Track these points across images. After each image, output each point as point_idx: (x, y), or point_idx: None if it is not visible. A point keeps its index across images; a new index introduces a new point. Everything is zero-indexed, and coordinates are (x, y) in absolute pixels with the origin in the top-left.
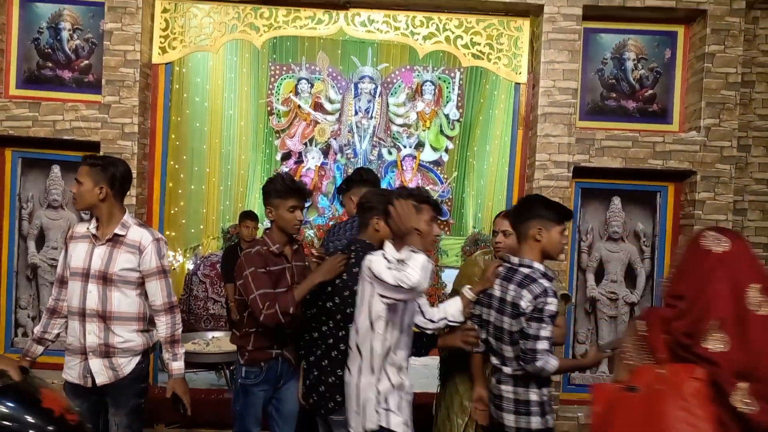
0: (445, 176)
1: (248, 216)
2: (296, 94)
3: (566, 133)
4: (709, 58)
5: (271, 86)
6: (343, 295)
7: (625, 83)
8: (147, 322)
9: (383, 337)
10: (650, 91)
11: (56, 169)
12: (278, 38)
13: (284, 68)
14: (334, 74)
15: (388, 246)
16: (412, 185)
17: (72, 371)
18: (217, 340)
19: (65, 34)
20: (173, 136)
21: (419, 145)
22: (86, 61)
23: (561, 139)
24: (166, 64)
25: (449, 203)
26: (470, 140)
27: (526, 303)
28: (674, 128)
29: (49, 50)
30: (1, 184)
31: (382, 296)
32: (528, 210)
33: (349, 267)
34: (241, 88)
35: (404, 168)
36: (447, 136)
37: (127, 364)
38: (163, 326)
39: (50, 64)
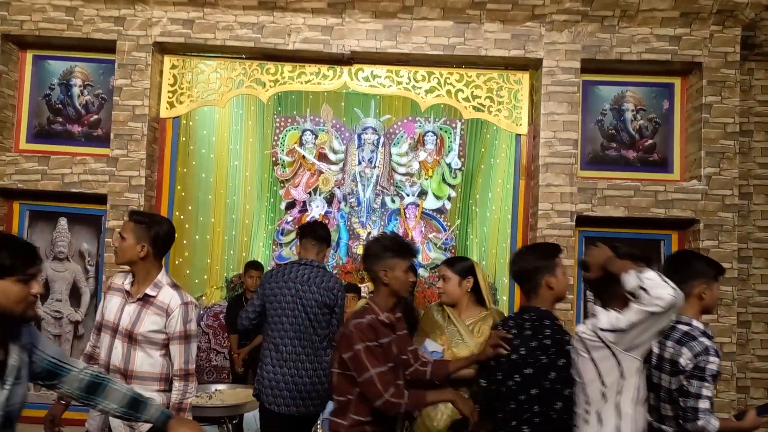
0: (449, 224)
1: (253, 266)
2: (301, 144)
3: (568, 182)
4: (707, 109)
5: (276, 137)
6: (524, 372)
7: (625, 133)
8: (169, 383)
9: (636, 390)
10: (650, 141)
11: (63, 222)
12: (283, 92)
13: (289, 120)
14: (338, 125)
15: (600, 312)
16: (415, 233)
17: (93, 422)
18: (220, 393)
19: (76, 90)
20: (179, 187)
21: (422, 194)
22: (96, 116)
23: (563, 188)
24: (174, 118)
25: (453, 251)
26: (472, 188)
27: (685, 360)
28: (675, 177)
29: (60, 105)
30: None
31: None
32: (689, 269)
33: (523, 339)
34: (247, 140)
35: (407, 216)
36: (449, 185)
37: (144, 423)
38: (174, 391)
39: (60, 119)
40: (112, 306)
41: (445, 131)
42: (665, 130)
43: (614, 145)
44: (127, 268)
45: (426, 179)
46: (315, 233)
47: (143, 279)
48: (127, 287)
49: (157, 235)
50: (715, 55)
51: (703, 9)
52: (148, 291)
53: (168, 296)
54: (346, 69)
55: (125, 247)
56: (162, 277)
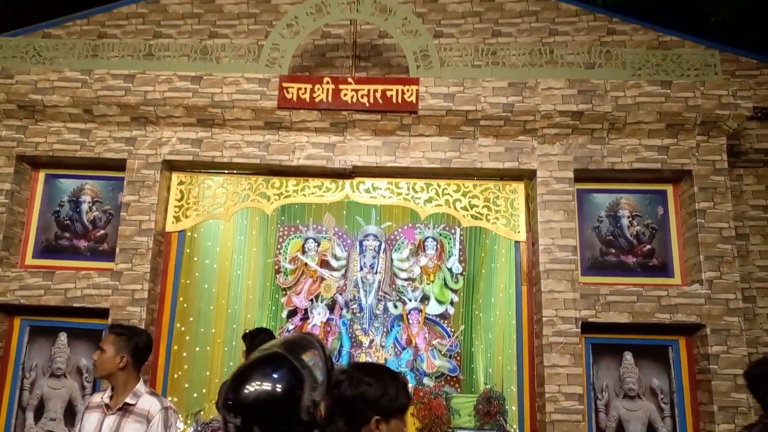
0: (452, 329)
1: None
2: (303, 252)
3: (570, 288)
4: (701, 214)
5: (279, 246)
6: None
7: (622, 239)
8: None
9: None
10: (648, 246)
11: (63, 337)
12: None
13: (292, 229)
14: (340, 233)
15: None
16: (419, 339)
17: None
18: None
19: (85, 207)
20: (181, 299)
21: (424, 299)
22: (102, 231)
23: (565, 294)
24: (179, 231)
25: (458, 358)
26: (474, 293)
27: None
28: (677, 281)
29: (68, 221)
30: (6, 354)
31: None
32: None
33: None
34: (250, 249)
35: (410, 322)
36: (451, 289)
37: None
38: None
39: (68, 235)
40: (90, 424)
41: (445, 237)
42: (662, 235)
43: (613, 250)
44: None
45: (428, 284)
46: (252, 345)
47: (122, 390)
48: (106, 400)
49: (136, 346)
50: (704, 163)
51: (687, 121)
52: (128, 400)
53: (148, 403)
54: (348, 182)
55: (105, 359)
56: (140, 386)
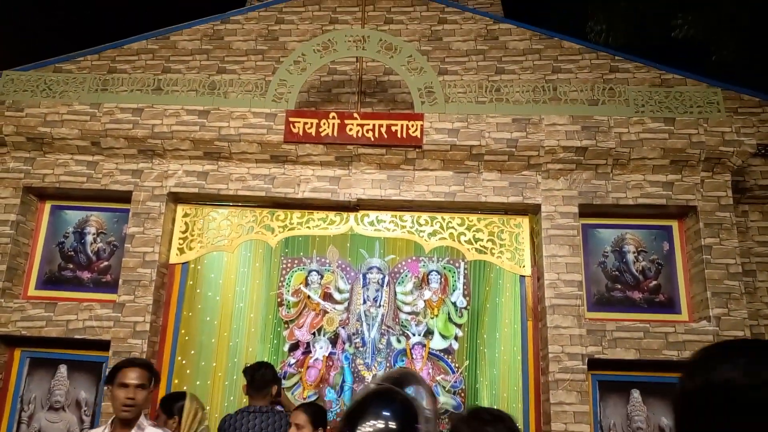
0: (457, 365)
1: None
2: (306, 285)
3: (576, 324)
4: (707, 250)
5: (282, 278)
6: None
7: (628, 275)
8: None
9: None
10: (654, 282)
11: (63, 369)
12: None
13: (296, 261)
14: (344, 265)
15: None
16: (423, 374)
17: None
18: None
19: (89, 238)
20: (183, 332)
21: (428, 333)
22: (106, 263)
23: (572, 330)
24: (183, 263)
25: (462, 394)
26: (479, 328)
27: None
28: (684, 318)
29: (72, 253)
30: (6, 386)
31: None
32: None
33: None
34: (253, 281)
35: (414, 356)
36: (456, 324)
37: None
38: None
39: (71, 266)
40: None
41: (449, 270)
42: (668, 271)
43: (619, 286)
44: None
45: (432, 318)
46: (253, 380)
47: (131, 422)
48: None
49: (157, 377)
50: (709, 199)
51: (691, 157)
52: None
53: None
54: (352, 215)
55: (143, 397)
56: (143, 419)
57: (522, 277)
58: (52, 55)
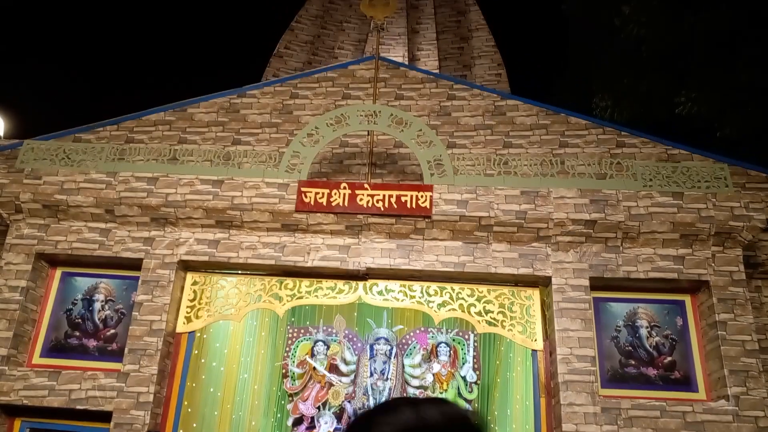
0: None
1: None
2: (312, 356)
3: (590, 401)
4: (722, 326)
5: (287, 348)
6: None
7: (642, 350)
8: None
9: None
10: (669, 358)
11: None
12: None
13: (302, 331)
14: (350, 335)
15: None
16: None
17: None
18: None
19: (97, 305)
20: (186, 403)
21: None
22: (112, 331)
23: (586, 408)
24: (189, 332)
25: None
26: (490, 404)
27: None
28: (701, 396)
29: (80, 320)
30: None
31: None
32: None
33: None
34: (258, 351)
35: None
36: (466, 399)
37: None
38: None
39: (78, 333)
40: None
41: (459, 343)
42: (683, 347)
43: (633, 362)
44: None
45: (441, 393)
46: None
47: None
48: None
49: None
50: (721, 273)
51: (701, 231)
52: None
53: None
54: (361, 284)
55: None
56: None
57: (534, 351)
58: (74, 124)
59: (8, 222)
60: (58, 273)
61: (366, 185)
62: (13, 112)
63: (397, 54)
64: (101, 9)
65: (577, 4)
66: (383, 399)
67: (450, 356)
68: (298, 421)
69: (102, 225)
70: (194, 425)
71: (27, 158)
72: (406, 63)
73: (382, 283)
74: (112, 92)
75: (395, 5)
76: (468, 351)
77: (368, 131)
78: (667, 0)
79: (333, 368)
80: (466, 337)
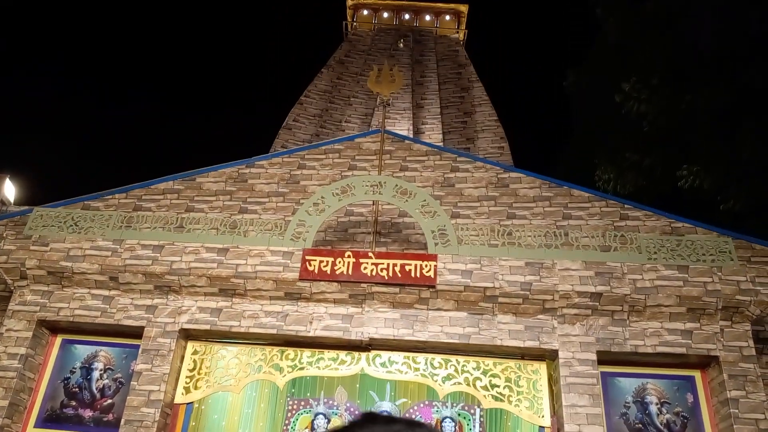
0: None
1: None
2: (312, 429)
3: None
4: (734, 404)
5: (287, 421)
6: None
7: (652, 428)
8: None
9: None
10: None
11: None
12: None
13: (302, 403)
14: (352, 408)
15: None
16: None
17: None
18: None
19: (96, 374)
20: None
21: None
22: (110, 401)
23: None
24: (188, 404)
25: None
26: None
27: None
28: None
29: (77, 389)
30: None
31: None
32: None
33: None
34: (257, 424)
35: None
36: None
37: None
38: None
39: (74, 403)
40: None
41: (464, 417)
42: (695, 424)
43: None
44: None
45: None
46: None
47: None
48: None
49: None
50: (730, 349)
51: (708, 305)
52: None
53: None
54: (364, 354)
55: None
56: None
57: (541, 428)
58: (84, 192)
59: (12, 288)
60: (58, 340)
61: (370, 254)
62: (25, 180)
63: (403, 127)
64: (116, 81)
65: (578, 81)
66: None
67: None
68: None
69: (105, 292)
70: None
71: (35, 225)
72: (411, 136)
73: (385, 355)
74: (123, 161)
75: (401, 82)
76: (473, 426)
77: (373, 201)
78: (666, 78)
79: None
80: (472, 411)
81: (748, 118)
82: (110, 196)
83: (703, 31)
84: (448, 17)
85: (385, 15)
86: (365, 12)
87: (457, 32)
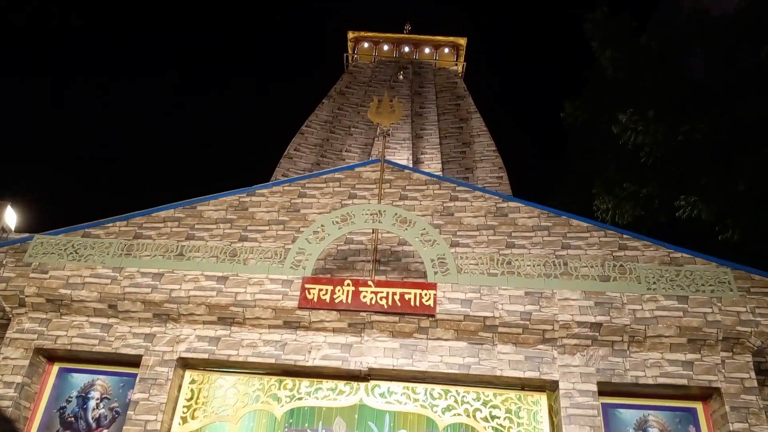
0: None
1: None
2: None
3: None
4: None
5: None
6: None
7: None
8: None
9: None
10: None
11: None
12: None
13: None
14: None
15: None
16: None
17: None
18: None
19: (92, 403)
20: None
21: None
22: (105, 431)
23: None
24: None
25: None
26: None
27: None
28: None
29: (72, 418)
30: None
31: None
32: None
33: None
34: None
35: None
36: None
37: None
38: None
39: None
40: None
41: None
42: None
43: None
44: None
45: None
46: None
47: None
48: None
49: None
50: (732, 380)
51: (709, 336)
52: None
53: None
54: (362, 385)
55: None
56: None
57: None
58: (86, 219)
59: (10, 316)
60: (54, 369)
61: (370, 282)
62: (27, 206)
63: (402, 157)
64: (119, 109)
65: (575, 112)
66: None
67: None
68: None
69: (104, 320)
70: None
71: (36, 252)
72: (411, 166)
73: (384, 385)
74: (125, 189)
75: (401, 113)
76: None
77: (373, 229)
78: (662, 110)
79: None
80: None
81: (743, 150)
82: (111, 224)
83: (696, 65)
84: (447, 50)
85: (386, 48)
86: (366, 45)
87: (456, 64)
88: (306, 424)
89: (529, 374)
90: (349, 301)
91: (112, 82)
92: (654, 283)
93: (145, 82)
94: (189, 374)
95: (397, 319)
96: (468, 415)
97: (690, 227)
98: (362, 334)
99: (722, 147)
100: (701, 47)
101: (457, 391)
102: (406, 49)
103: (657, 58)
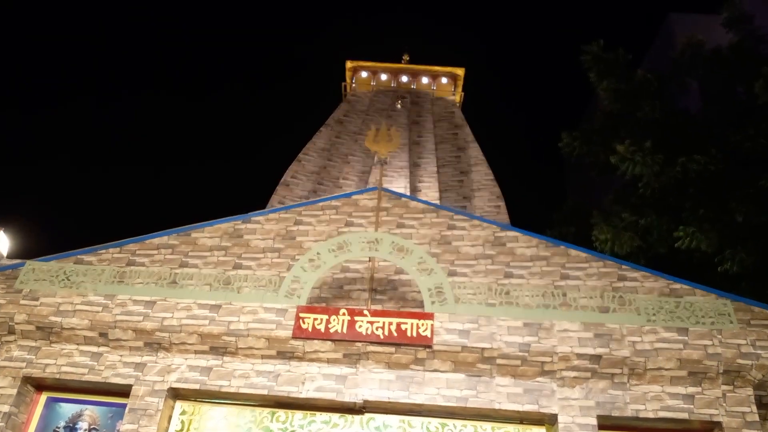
0: None
1: None
2: None
3: None
4: None
5: None
6: None
7: None
8: None
9: None
10: None
11: None
12: None
13: None
14: None
15: None
16: None
17: None
18: None
19: None
20: None
21: None
22: None
23: None
24: None
25: None
26: None
27: None
28: None
29: None
30: None
31: None
32: None
33: None
34: None
35: None
36: None
37: None
38: None
39: None
40: None
41: None
42: None
43: None
44: None
45: None
46: None
47: None
48: None
49: None
50: (733, 414)
51: (709, 369)
52: None
53: None
54: (357, 417)
55: None
56: None
57: None
58: (79, 245)
59: None
60: (42, 398)
61: (366, 311)
62: (19, 232)
63: (399, 185)
64: (114, 134)
65: (572, 142)
66: None
67: None
68: None
69: (94, 348)
70: None
71: (27, 279)
72: (408, 194)
73: (379, 418)
74: (119, 216)
75: (398, 142)
76: None
77: (369, 258)
78: (659, 142)
79: None
80: None
81: (740, 182)
82: (104, 251)
83: (691, 97)
84: (444, 80)
85: (383, 77)
86: (364, 74)
87: (454, 94)
88: None
89: (527, 407)
90: (345, 330)
91: (111, 101)
92: (654, 314)
93: (142, 105)
94: (180, 405)
95: (393, 349)
96: None
97: (689, 258)
98: (357, 365)
99: (719, 178)
100: (696, 80)
101: (454, 424)
102: (404, 78)
103: (653, 90)
